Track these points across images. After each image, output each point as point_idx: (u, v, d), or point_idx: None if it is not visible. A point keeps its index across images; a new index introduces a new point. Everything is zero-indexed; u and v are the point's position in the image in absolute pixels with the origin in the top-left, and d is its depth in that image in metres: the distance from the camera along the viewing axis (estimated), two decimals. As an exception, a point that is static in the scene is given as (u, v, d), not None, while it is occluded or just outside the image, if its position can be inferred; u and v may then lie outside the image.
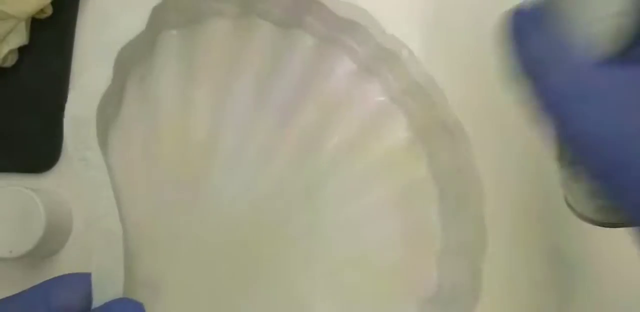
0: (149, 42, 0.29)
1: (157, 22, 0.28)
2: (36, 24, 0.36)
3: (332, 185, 0.30)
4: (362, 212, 0.30)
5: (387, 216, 0.30)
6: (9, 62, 0.36)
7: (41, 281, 0.35)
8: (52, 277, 0.36)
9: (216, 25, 0.30)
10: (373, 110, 0.31)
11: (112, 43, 0.26)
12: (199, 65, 0.30)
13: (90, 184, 0.24)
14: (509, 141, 0.34)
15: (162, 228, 0.30)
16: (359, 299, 0.29)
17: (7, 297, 0.22)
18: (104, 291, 0.22)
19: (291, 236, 0.30)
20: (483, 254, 0.28)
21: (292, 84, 0.31)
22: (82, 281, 0.22)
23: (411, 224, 0.30)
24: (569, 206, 0.19)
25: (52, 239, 0.34)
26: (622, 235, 0.15)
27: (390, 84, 0.31)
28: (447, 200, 0.30)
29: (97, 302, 0.22)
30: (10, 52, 0.35)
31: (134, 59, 0.29)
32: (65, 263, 0.35)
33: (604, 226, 0.18)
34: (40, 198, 0.32)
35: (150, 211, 0.29)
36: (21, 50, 0.36)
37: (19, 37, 0.35)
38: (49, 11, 0.36)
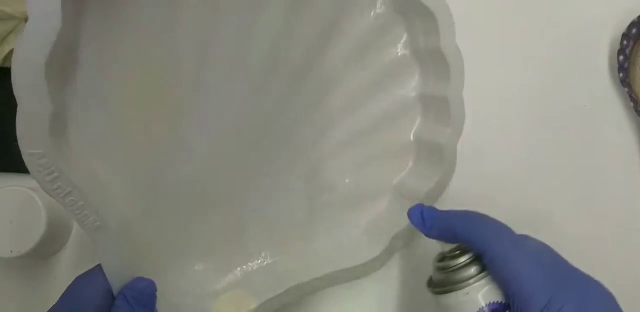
0: None
1: None
2: (37, 24, 0.36)
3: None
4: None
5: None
6: (10, 62, 0.36)
7: (41, 280, 0.35)
8: (52, 277, 0.36)
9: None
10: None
11: None
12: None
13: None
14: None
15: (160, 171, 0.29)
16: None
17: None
18: (117, 275, 0.25)
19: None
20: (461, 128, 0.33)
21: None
22: (98, 274, 0.25)
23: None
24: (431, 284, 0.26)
25: (52, 238, 0.34)
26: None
27: None
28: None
29: (115, 286, 0.25)
30: (11, 52, 0.35)
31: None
32: (65, 263, 0.35)
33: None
34: (41, 198, 0.32)
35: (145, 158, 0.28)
36: (22, 50, 0.36)
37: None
38: (50, 11, 0.36)
